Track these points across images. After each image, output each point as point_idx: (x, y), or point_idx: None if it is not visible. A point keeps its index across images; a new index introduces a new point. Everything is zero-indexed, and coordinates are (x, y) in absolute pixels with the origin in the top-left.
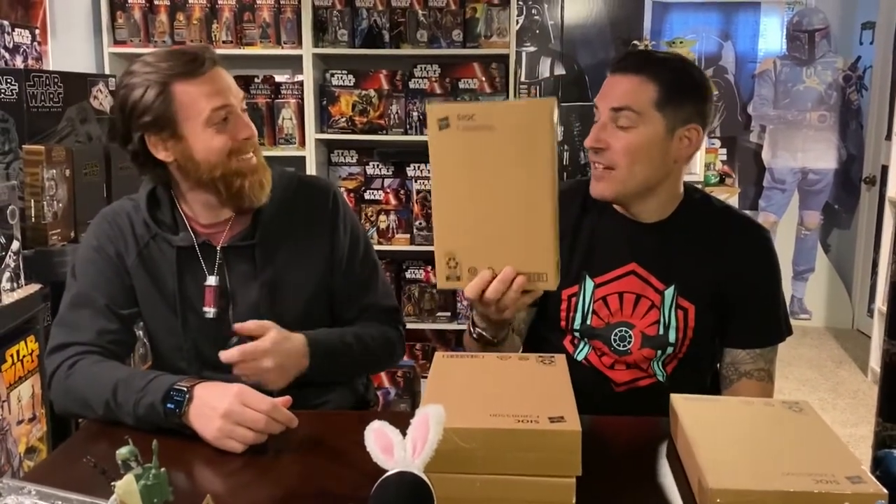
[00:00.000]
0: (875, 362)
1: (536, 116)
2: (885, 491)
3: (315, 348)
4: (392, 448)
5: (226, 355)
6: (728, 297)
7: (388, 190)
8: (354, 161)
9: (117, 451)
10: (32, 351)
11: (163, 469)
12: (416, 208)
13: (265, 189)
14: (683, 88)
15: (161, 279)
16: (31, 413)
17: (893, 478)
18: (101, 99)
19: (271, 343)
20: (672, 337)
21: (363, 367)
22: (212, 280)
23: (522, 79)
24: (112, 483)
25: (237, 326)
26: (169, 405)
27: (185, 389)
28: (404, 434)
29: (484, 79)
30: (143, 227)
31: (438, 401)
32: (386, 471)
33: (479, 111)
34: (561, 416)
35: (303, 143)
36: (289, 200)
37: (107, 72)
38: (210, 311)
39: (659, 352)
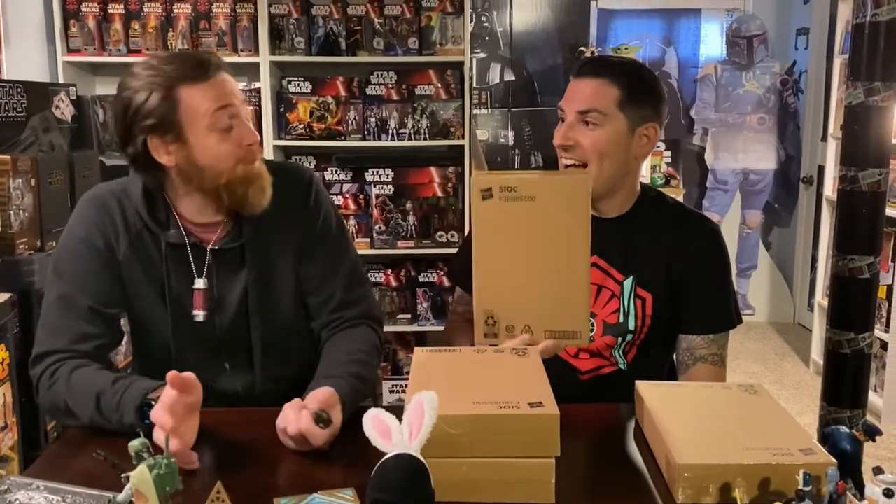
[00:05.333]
0: (816, 354)
1: (577, 189)
2: (834, 460)
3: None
4: (390, 432)
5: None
6: (682, 287)
7: (348, 195)
8: (313, 167)
9: (130, 444)
10: (3, 360)
11: (173, 459)
12: (376, 213)
13: (266, 194)
14: (641, 90)
15: (152, 272)
16: (2, 422)
17: (840, 450)
18: (63, 108)
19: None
20: (631, 324)
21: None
22: (200, 283)
23: (474, 84)
24: (123, 474)
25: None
26: (146, 421)
27: (153, 402)
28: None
29: (440, 85)
30: (136, 215)
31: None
32: (384, 454)
33: (521, 184)
34: (539, 401)
35: (261, 150)
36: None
37: (61, 80)
38: (200, 314)
39: (619, 339)
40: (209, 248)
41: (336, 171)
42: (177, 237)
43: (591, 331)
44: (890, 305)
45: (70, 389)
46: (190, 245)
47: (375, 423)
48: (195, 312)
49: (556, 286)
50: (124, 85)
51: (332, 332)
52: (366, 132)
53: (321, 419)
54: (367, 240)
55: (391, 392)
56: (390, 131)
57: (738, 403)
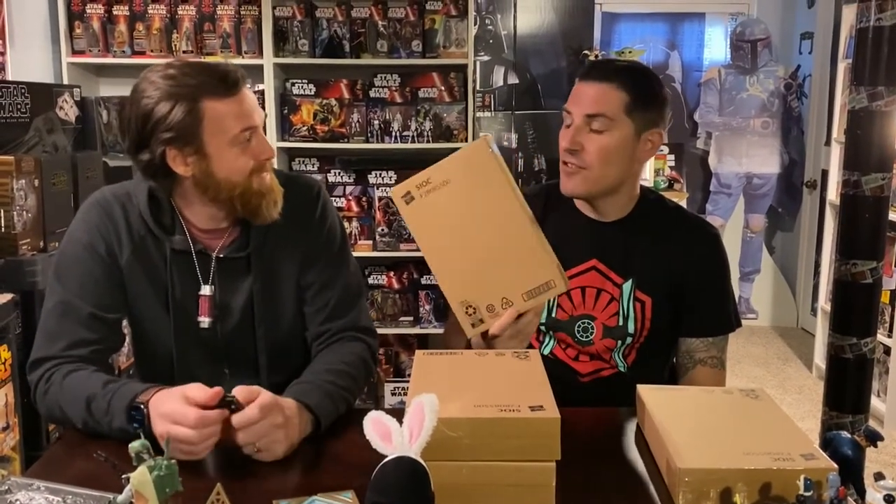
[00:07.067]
0: (819, 359)
1: (477, 156)
2: (836, 465)
3: (318, 410)
4: (390, 435)
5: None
6: (682, 290)
7: (350, 197)
8: (316, 169)
9: (130, 445)
10: (5, 360)
11: (173, 461)
12: (379, 215)
13: (278, 206)
14: (649, 95)
15: (155, 278)
16: (4, 422)
17: (841, 454)
18: (67, 109)
19: (264, 405)
20: (631, 327)
21: (355, 398)
22: (206, 290)
23: (477, 87)
24: (123, 475)
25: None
26: (134, 425)
27: (143, 406)
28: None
29: (443, 88)
30: (139, 221)
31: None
32: (384, 457)
33: (432, 173)
34: (540, 404)
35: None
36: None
37: (65, 81)
38: (205, 320)
39: (619, 342)
40: (214, 255)
41: (339, 174)
42: (182, 243)
43: (591, 334)
44: (893, 310)
45: (63, 394)
46: (195, 252)
47: (376, 426)
48: (200, 319)
49: (509, 250)
50: (143, 92)
51: (321, 346)
52: (369, 134)
53: (226, 403)
54: (370, 242)
55: (393, 394)
56: (394, 134)
57: (740, 408)
